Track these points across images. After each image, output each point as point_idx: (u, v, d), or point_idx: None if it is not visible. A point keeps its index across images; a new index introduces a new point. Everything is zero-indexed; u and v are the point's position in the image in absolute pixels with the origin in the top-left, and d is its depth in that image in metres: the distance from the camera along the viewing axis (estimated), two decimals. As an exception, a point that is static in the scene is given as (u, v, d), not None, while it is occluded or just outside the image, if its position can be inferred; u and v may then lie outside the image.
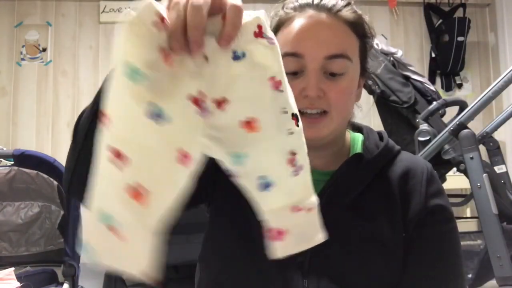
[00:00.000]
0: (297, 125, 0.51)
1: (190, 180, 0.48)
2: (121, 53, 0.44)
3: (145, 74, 0.43)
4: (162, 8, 0.44)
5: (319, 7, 0.69)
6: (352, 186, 0.74)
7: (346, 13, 0.70)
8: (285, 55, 0.66)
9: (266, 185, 0.50)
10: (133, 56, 0.43)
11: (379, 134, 0.82)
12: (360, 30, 0.72)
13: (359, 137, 0.81)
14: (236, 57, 0.46)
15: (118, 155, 0.44)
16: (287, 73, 0.65)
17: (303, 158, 0.52)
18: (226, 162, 0.50)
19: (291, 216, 0.53)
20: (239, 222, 0.73)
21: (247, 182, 0.51)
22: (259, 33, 0.46)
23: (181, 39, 0.43)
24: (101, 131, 0.45)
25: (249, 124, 0.48)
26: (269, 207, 0.52)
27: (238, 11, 0.44)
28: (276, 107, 0.49)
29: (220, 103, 0.47)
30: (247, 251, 0.72)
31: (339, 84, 0.68)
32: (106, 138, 0.45)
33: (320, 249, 0.70)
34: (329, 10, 0.69)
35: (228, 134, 0.48)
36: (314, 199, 0.55)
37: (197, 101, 0.46)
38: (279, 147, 0.50)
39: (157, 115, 0.44)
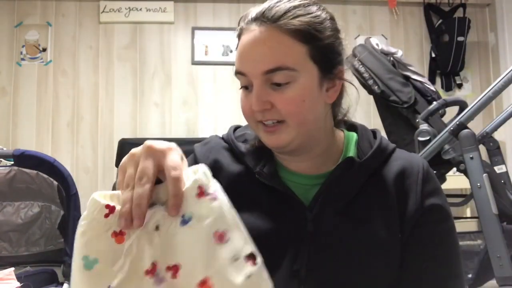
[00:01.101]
0: (255, 264, 0.51)
1: None
2: (79, 249, 0.51)
3: (97, 259, 0.50)
4: (109, 195, 0.52)
5: (261, 20, 0.69)
6: (345, 190, 0.73)
7: (287, 21, 0.67)
8: (235, 73, 0.72)
9: None
10: (88, 249, 0.50)
11: (373, 132, 0.81)
12: (307, 35, 0.68)
13: (353, 136, 0.79)
14: (184, 221, 0.51)
15: None
16: (242, 87, 0.72)
17: None
18: None
19: None
20: None
21: None
22: (200, 193, 0.52)
23: (129, 218, 0.50)
24: None
25: (203, 284, 0.49)
26: None
27: (176, 182, 0.51)
28: (225, 259, 0.50)
29: (173, 270, 0.50)
30: None
31: (286, 93, 0.68)
32: None
33: (316, 255, 0.70)
34: (268, 21, 0.68)
35: None
36: None
37: (151, 272, 0.50)
38: None
39: None
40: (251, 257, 0.52)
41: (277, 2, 0.70)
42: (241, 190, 0.74)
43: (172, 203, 0.51)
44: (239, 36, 0.72)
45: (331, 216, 0.71)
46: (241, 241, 0.52)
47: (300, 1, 0.71)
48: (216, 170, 0.76)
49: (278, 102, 0.68)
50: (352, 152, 0.76)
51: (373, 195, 0.73)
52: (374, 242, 0.71)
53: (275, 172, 0.75)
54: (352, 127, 0.83)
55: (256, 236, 0.69)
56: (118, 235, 0.51)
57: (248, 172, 0.76)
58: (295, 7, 0.69)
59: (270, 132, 0.70)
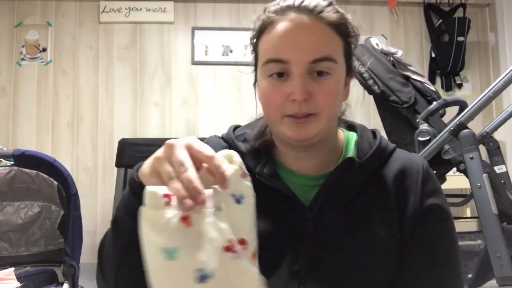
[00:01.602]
0: None
1: None
2: (153, 243, 0.51)
3: (177, 248, 0.50)
4: (160, 188, 0.52)
5: (301, 9, 0.68)
6: (346, 190, 0.73)
7: (328, 14, 0.69)
8: (269, 61, 0.69)
9: None
10: (164, 241, 0.50)
11: (373, 132, 0.81)
12: (343, 30, 0.70)
13: (353, 136, 0.80)
14: (237, 200, 0.56)
15: None
16: (271, 75, 0.69)
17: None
18: None
19: None
20: None
21: None
22: (243, 174, 0.58)
23: (189, 200, 0.50)
24: None
25: (254, 255, 0.58)
26: None
27: (217, 161, 0.54)
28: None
29: (244, 244, 0.55)
30: None
31: (325, 85, 0.68)
32: None
33: (316, 256, 0.70)
34: (311, 11, 0.68)
35: None
36: None
37: (230, 248, 0.53)
38: None
39: (204, 277, 0.50)
40: None
41: None
42: None
43: (220, 180, 0.53)
44: (267, 25, 0.70)
45: (331, 216, 0.72)
46: None
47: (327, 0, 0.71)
48: None
49: (317, 93, 0.67)
50: (352, 153, 0.76)
51: (373, 195, 0.73)
52: (374, 242, 0.71)
53: (275, 173, 0.75)
54: (351, 127, 0.83)
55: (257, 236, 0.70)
56: (185, 220, 0.51)
57: (248, 172, 0.76)
58: (328, 3, 0.70)
59: (300, 123, 0.68)
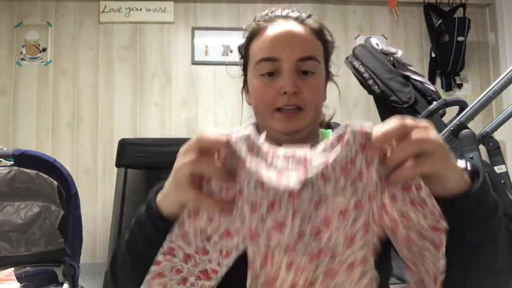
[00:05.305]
0: None
1: None
2: None
3: None
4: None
5: (287, 18, 0.80)
6: None
7: (310, 22, 0.80)
8: (261, 60, 0.78)
9: None
10: None
11: None
12: (323, 37, 0.82)
13: (329, 133, 0.85)
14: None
15: None
16: (263, 75, 0.77)
17: None
18: None
19: None
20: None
21: None
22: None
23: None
24: None
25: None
26: None
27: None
28: None
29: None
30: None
31: (311, 82, 0.77)
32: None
33: None
34: (295, 19, 0.79)
35: None
36: None
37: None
38: None
39: None
40: None
41: (292, 9, 0.82)
42: None
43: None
44: (258, 30, 0.80)
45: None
46: None
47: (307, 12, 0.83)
48: None
49: (304, 89, 0.76)
50: None
51: None
52: None
53: None
54: (327, 126, 0.90)
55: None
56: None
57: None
58: (308, 16, 0.82)
59: (289, 117, 0.76)
